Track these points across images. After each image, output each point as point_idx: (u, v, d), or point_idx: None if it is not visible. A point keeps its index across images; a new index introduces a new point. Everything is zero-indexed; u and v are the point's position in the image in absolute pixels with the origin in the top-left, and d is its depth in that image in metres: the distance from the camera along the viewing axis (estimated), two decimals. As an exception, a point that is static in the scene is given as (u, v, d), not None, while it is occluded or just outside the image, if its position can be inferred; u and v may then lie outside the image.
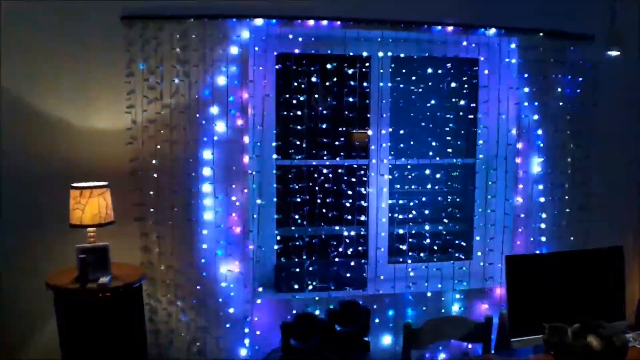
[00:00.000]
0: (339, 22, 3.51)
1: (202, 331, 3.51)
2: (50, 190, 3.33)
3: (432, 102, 3.92)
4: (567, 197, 3.89)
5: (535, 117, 3.81)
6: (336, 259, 3.81)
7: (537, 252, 3.81)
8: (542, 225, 3.87)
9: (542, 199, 3.86)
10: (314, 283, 3.71)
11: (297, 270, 3.71)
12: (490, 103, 3.90)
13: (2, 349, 3.40)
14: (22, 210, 3.37)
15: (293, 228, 3.80)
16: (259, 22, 3.43)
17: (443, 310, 3.77)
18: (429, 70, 3.89)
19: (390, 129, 3.88)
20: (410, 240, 3.91)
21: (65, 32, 3.32)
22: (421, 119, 3.92)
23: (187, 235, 3.46)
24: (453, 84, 3.95)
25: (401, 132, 3.91)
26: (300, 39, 3.57)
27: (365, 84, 3.77)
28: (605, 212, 4.01)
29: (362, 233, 3.94)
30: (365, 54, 3.75)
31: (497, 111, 3.88)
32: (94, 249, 3.10)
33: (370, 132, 3.86)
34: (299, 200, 3.74)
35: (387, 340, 3.72)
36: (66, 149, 3.38)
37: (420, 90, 3.91)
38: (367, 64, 3.80)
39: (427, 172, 3.97)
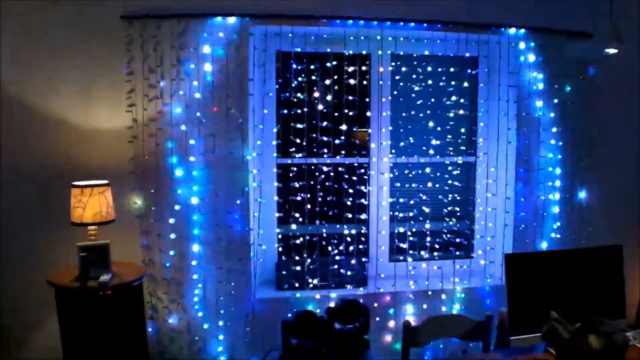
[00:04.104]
0: (339, 21, 3.52)
1: (203, 329, 3.52)
2: (51, 188, 3.35)
3: (432, 100, 3.92)
4: (567, 195, 3.89)
5: (536, 115, 3.81)
6: (337, 257, 3.81)
7: (538, 250, 3.81)
8: (543, 224, 3.87)
9: (542, 197, 3.86)
10: (315, 281, 3.72)
11: (298, 268, 3.72)
12: (490, 101, 3.90)
13: (3, 346, 3.41)
14: (23, 208, 3.39)
15: (294, 226, 3.80)
16: (259, 20, 3.44)
17: (443, 309, 3.78)
18: (429, 68, 3.89)
19: (391, 127, 3.89)
20: (410, 238, 3.92)
21: (65, 32, 3.33)
22: (422, 117, 3.93)
23: (188, 234, 3.46)
24: (453, 82, 3.95)
25: (401, 130, 3.92)
26: (300, 38, 3.57)
27: (365, 82, 3.77)
28: (605, 210, 4.01)
29: (362, 231, 3.94)
30: (365, 52, 3.75)
31: (497, 109, 3.88)
32: (95, 247, 3.11)
33: (370, 130, 3.87)
34: (299, 198, 3.75)
35: (387, 338, 3.72)
36: (67, 148, 3.39)
37: (420, 88, 3.91)
38: (367, 62, 3.80)
39: (428, 170, 3.97)
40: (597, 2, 3.52)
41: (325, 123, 3.73)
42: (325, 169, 3.81)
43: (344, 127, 3.74)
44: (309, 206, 3.74)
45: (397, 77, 3.88)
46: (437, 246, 3.99)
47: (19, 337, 3.45)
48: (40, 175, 3.37)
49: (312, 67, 3.69)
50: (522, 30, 3.74)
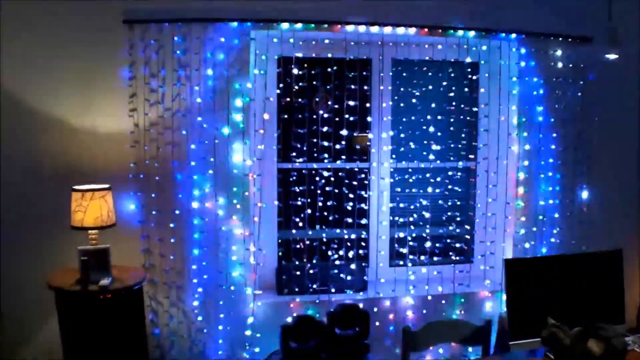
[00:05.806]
0: (340, 26, 3.53)
1: (203, 333, 3.52)
2: (52, 192, 3.35)
3: (433, 105, 3.93)
4: (567, 200, 3.90)
5: (536, 119, 3.82)
6: (337, 262, 3.82)
7: (537, 255, 3.81)
8: (543, 229, 3.87)
9: (542, 202, 3.86)
10: (315, 286, 3.72)
11: (298, 273, 3.72)
12: (490, 106, 3.91)
13: (3, 349, 3.41)
14: (24, 212, 3.39)
15: (294, 231, 3.80)
16: (260, 25, 3.45)
17: (443, 314, 3.78)
18: (430, 74, 3.90)
19: (392, 132, 3.89)
20: (411, 243, 3.92)
21: (68, 35, 3.34)
22: (422, 122, 3.93)
23: (189, 238, 3.47)
24: (454, 87, 3.96)
25: (402, 135, 3.92)
26: (301, 43, 3.59)
27: (366, 87, 3.78)
28: (605, 215, 4.01)
29: (363, 236, 3.95)
30: (365, 57, 3.76)
31: (497, 114, 3.89)
32: (95, 251, 3.11)
33: (371, 135, 3.87)
34: (300, 203, 3.75)
35: (386, 343, 3.72)
36: (68, 152, 3.39)
37: (421, 93, 3.92)
38: (368, 67, 3.81)
39: (428, 175, 3.97)
40: (596, 6, 3.53)
41: (326, 128, 3.74)
42: (325, 173, 3.81)
43: (344, 132, 3.75)
44: (309, 211, 3.74)
45: (397, 82, 3.89)
46: (437, 251, 3.99)
47: (19, 338, 3.45)
48: (41, 178, 3.37)
49: (313, 72, 3.70)
50: (523, 36, 3.75)
